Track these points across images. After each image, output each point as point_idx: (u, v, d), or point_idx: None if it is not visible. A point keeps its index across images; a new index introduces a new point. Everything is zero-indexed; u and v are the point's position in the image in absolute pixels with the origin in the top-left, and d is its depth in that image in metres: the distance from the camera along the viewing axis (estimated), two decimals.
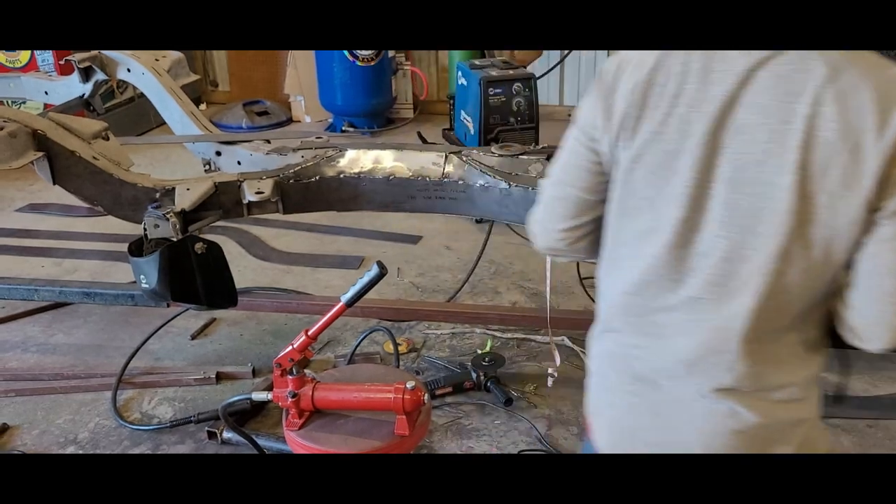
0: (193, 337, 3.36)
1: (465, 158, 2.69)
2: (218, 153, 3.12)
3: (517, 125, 4.14)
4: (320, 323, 1.91)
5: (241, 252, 4.10)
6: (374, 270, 1.81)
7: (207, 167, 3.16)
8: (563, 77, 6.39)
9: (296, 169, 2.72)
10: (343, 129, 6.27)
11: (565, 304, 3.59)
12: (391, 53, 6.20)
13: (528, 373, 3.08)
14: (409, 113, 6.65)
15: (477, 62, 4.43)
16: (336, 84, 6.09)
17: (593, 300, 3.40)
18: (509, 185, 2.59)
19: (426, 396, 1.84)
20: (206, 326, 3.43)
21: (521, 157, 2.67)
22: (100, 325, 3.49)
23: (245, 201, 2.67)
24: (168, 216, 2.49)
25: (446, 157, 2.70)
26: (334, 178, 2.73)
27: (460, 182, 2.68)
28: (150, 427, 2.80)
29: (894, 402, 2.83)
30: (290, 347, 1.90)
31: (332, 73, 6.06)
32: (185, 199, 2.57)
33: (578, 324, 3.00)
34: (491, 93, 4.09)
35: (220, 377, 3.07)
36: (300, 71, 6.55)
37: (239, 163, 3.07)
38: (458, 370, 3.06)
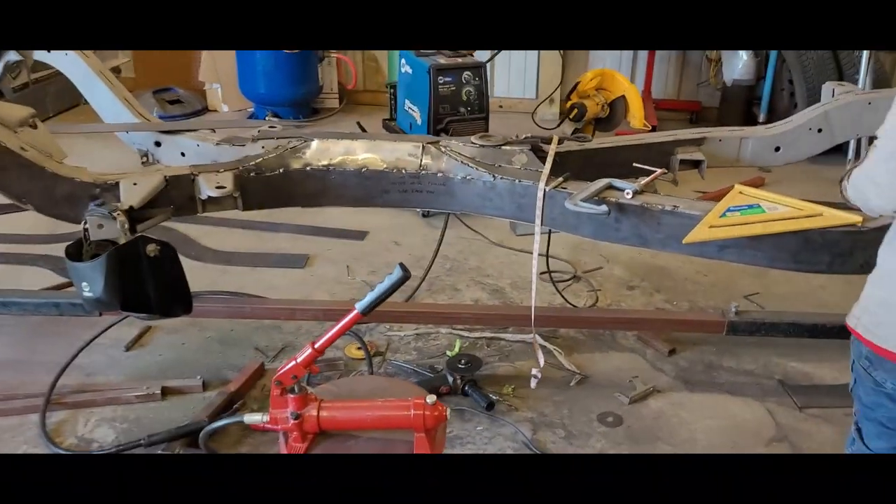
0: (128, 348, 3.03)
1: (444, 149, 2.50)
2: (157, 143, 2.81)
3: (467, 115, 3.98)
4: (330, 334, 1.68)
5: None
6: (397, 273, 1.60)
7: (145, 159, 2.84)
8: (494, 70, 6.27)
9: (257, 161, 2.46)
10: (266, 119, 5.93)
11: (527, 300, 3.45)
12: None
13: (502, 374, 2.92)
14: (335, 103, 6.38)
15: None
16: (258, 71, 5.76)
17: (562, 295, 3.32)
18: (494, 177, 2.42)
19: (448, 411, 1.65)
20: (141, 336, 3.10)
21: (503, 147, 2.50)
22: (16, 338, 3.09)
23: (201, 197, 2.39)
24: (115, 214, 2.19)
25: (423, 147, 2.51)
26: (300, 171, 2.49)
27: (439, 174, 2.49)
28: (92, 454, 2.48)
29: None
30: (294, 362, 1.67)
31: (255, 61, 5.71)
32: (132, 196, 2.28)
33: (558, 321, 2.88)
34: (440, 81, 3.91)
35: (165, 392, 2.75)
36: (216, 57, 6.15)
37: (183, 154, 2.78)
38: (429, 374, 2.87)
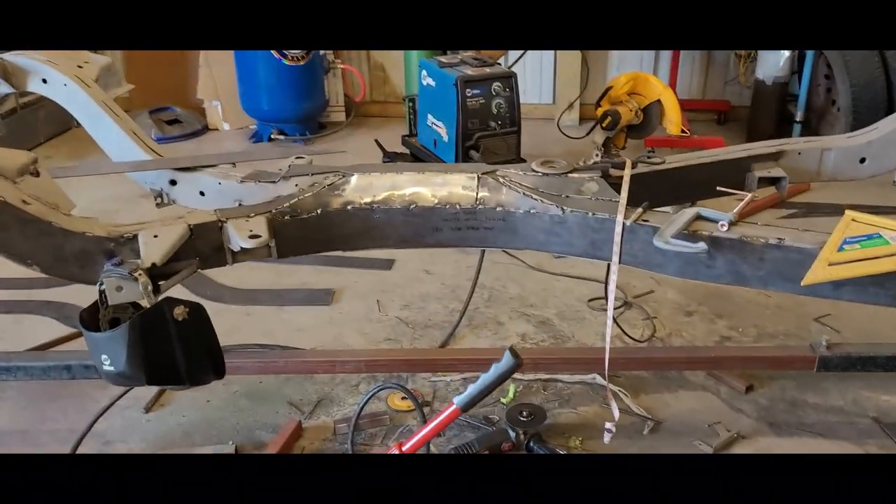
0: (148, 409, 2.73)
1: (502, 180, 2.21)
2: (173, 182, 2.50)
3: (499, 129, 3.68)
4: (423, 433, 1.39)
5: (185, 294, 3.45)
6: (506, 362, 1.30)
7: (159, 200, 2.54)
8: None
9: (291, 202, 2.16)
10: (271, 136, 5.63)
11: (579, 332, 3.17)
12: (322, 51, 5.60)
13: (565, 422, 2.63)
14: (342, 116, 6.07)
15: (443, 59, 3.93)
16: (261, 86, 5.45)
17: (618, 325, 3.03)
18: (563, 210, 2.12)
19: None
20: (161, 394, 2.79)
21: (569, 175, 2.21)
22: (21, 404, 2.77)
23: (231, 247, 2.09)
24: (136, 274, 1.89)
25: (479, 178, 2.21)
26: (340, 212, 2.19)
27: (498, 209, 2.19)
28: None
29: None
30: None
31: (256, 75, 5.40)
32: (153, 250, 1.97)
33: (629, 363, 2.58)
34: (469, 94, 3.62)
35: None
36: (215, 72, 5.84)
37: (202, 193, 2.47)
38: (485, 426, 2.58)
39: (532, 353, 2.65)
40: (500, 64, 3.89)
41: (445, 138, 3.76)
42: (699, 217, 2.03)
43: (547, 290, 3.50)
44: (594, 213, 2.10)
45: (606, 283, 3.02)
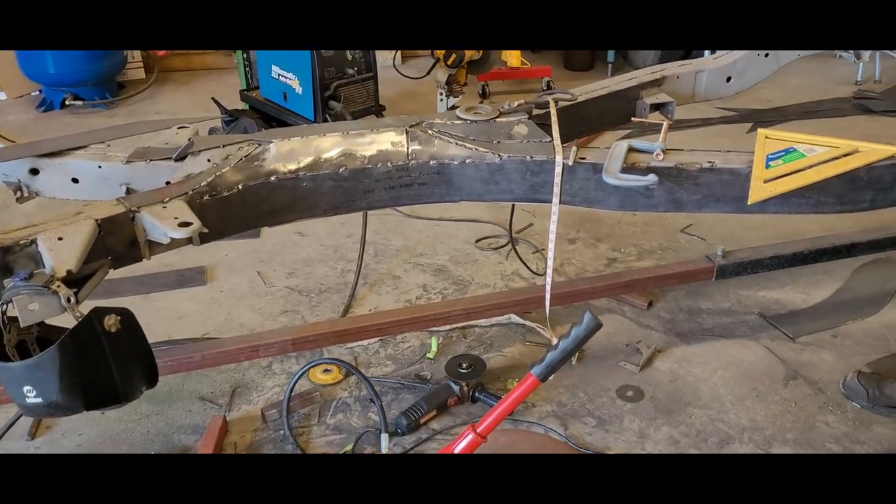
0: (32, 435, 2.36)
1: (431, 132, 2.10)
2: (34, 171, 2.11)
3: (356, 76, 3.50)
4: (499, 411, 1.30)
5: None
6: (587, 324, 1.24)
7: (19, 194, 2.14)
8: None
9: (209, 180, 1.91)
10: (64, 102, 4.95)
11: (476, 274, 3.17)
12: None
13: (496, 367, 2.63)
14: (141, 73, 5.47)
15: None
16: None
17: (520, 260, 3.05)
18: (499, 156, 2.07)
19: None
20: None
21: (497, 120, 2.15)
22: None
23: (151, 239, 1.81)
24: (54, 286, 1.58)
25: (407, 132, 2.09)
26: (264, 184, 1.98)
27: (432, 162, 2.09)
28: None
29: (836, 306, 2.93)
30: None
31: None
32: (64, 255, 1.65)
33: (547, 300, 2.62)
34: None
35: None
36: None
37: (75, 181, 2.12)
38: (420, 384, 2.53)
39: (459, 305, 2.60)
40: None
41: (299, 90, 3.51)
42: (632, 149, 2.07)
43: (431, 237, 3.45)
44: (532, 157, 2.07)
45: (511, 231, 3.06)
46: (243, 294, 3.06)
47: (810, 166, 1.98)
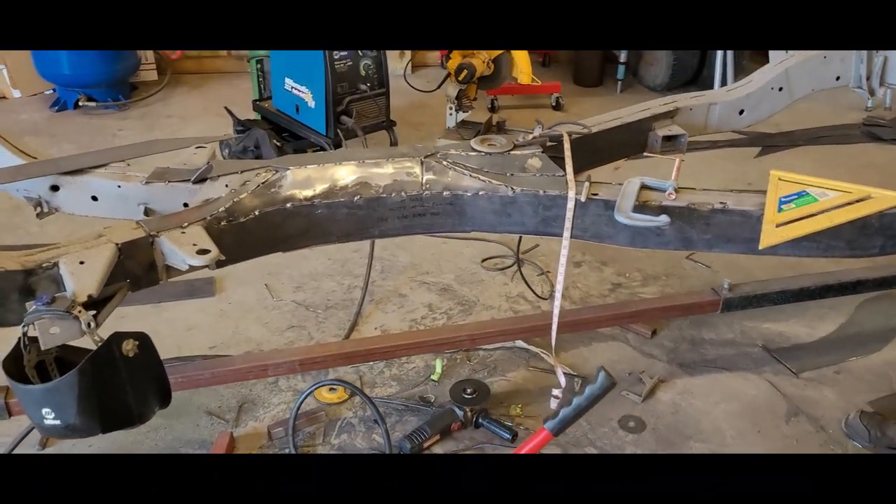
0: (44, 445, 2.39)
1: (446, 163, 2.12)
2: (54, 188, 2.14)
3: (369, 91, 3.53)
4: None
5: None
6: (601, 383, 1.27)
7: (39, 209, 2.16)
8: None
9: (227, 205, 1.93)
10: (78, 103, 4.98)
11: (481, 295, 3.20)
12: None
13: (500, 391, 2.66)
14: (153, 75, 5.50)
15: None
16: None
17: (525, 283, 3.08)
18: (512, 189, 2.09)
19: None
20: None
21: (511, 152, 2.18)
22: None
23: (170, 264, 1.84)
24: (73, 311, 1.61)
25: (422, 162, 2.11)
26: (280, 211, 2.00)
27: (445, 193, 2.12)
28: None
29: (840, 341, 2.95)
30: None
31: None
32: (85, 280, 1.69)
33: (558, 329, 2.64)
34: (336, 57, 3.41)
35: None
36: None
37: (94, 198, 2.14)
38: (424, 406, 2.55)
39: (465, 331, 2.63)
40: None
41: (311, 104, 3.54)
42: (644, 186, 2.10)
43: (437, 255, 3.48)
44: (545, 191, 2.09)
45: (518, 253, 3.10)
46: (251, 307, 3.09)
47: (822, 211, 2.01)
